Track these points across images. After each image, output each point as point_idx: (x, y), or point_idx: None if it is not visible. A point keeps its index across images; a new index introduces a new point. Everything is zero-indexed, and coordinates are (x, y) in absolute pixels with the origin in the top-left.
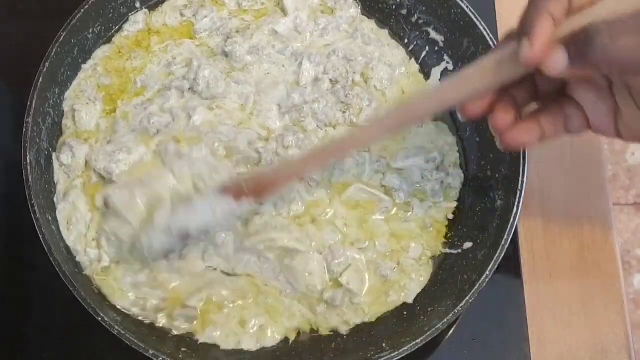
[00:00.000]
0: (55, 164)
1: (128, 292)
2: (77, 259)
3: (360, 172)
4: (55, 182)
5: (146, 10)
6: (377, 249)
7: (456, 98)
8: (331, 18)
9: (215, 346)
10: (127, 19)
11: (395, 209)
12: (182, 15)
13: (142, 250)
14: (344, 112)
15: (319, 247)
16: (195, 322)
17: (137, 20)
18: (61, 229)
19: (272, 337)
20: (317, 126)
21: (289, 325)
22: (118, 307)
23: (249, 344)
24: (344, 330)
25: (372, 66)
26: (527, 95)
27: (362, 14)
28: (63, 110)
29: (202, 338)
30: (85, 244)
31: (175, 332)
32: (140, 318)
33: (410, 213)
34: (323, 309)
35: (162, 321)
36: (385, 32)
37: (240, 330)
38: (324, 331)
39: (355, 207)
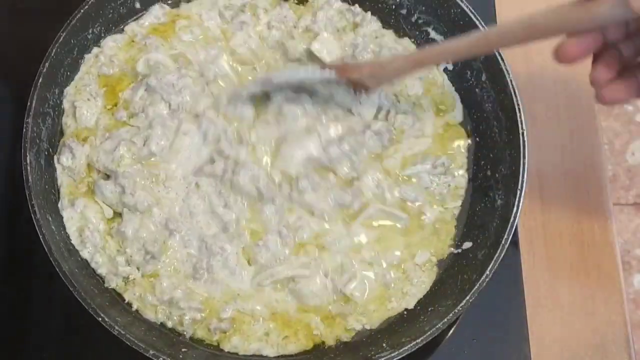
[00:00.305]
0: (58, 167)
1: (161, 306)
2: (99, 271)
3: (379, 193)
4: (59, 185)
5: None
6: (387, 262)
7: (547, 29)
8: (359, 39)
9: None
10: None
11: (411, 222)
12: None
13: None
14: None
15: (326, 270)
16: (227, 333)
17: (157, 15)
18: (73, 242)
19: (293, 347)
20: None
21: (306, 339)
22: (152, 320)
23: (269, 351)
24: (345, 338)
25: (406, 83)
26: (634, 51)
27: (383, 27)
28: (63, 108)
29: (227, 347)
30: (107, 257)
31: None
32: (178, 330)
33: (424, 217)
34: (330, 321)
35: (200, 333)
36: (407, 41)
37: (264, 338)
38: (331, 342)
39: (374, 228)
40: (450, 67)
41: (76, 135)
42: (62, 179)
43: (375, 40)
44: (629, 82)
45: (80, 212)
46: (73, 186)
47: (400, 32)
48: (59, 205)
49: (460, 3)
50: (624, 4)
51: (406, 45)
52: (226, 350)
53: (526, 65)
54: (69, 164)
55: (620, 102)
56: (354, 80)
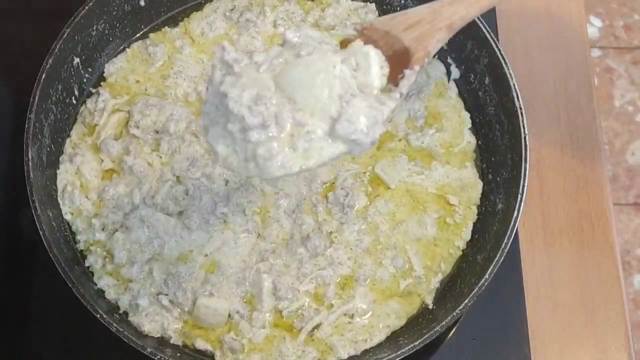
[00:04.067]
0: (81, 109)
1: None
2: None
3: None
4: (70, 134)
5: None
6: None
7: None
8: None
9: None
10: None
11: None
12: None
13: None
14: None
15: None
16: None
17: None
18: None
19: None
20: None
21: None
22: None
23: None
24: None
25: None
26: None
27: None
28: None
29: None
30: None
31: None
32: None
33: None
34: None
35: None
36: None
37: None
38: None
39: None
40: (453, 69)
41: (111, 86)
42: (76, 127)
43: None
44: None
45: (77, 167)
46: (81, 136)
47: None
48: (60, 158)
49: None
50: None
51: None
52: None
53: (527, 66)
54: (92, 106)
55: None
56: (388, 47)
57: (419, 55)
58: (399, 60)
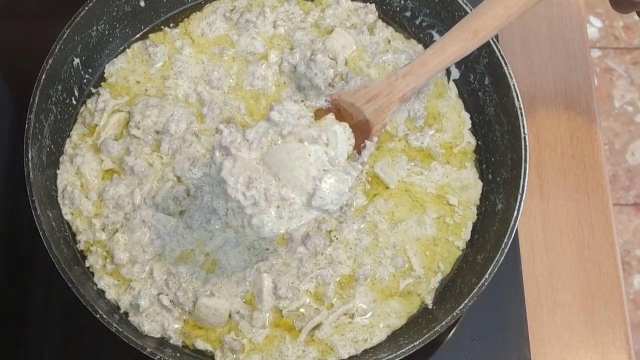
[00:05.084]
0: (81, 109)
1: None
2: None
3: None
4: (70, 135)
5: None
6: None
7: None
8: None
9: None
10: None
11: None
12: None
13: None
14: None
15: None
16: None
17: None
18: (59, 200)
19: None
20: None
21: None
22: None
23: None
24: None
25: None
26: None
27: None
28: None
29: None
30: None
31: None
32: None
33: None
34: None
35: (218, 355)
36: (413, 42)
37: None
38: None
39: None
40: (453, 69)
41: (111, 87)
42: (76, 127)
43: (388, 45)
44: None
45: (78, 167)
46: (81, 137)
47: (405, 35)
48: (60, 158)
49: (464, 6)
50: None
51: (415, 47)
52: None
53: (526, 66)
54: (93, 106)
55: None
56: (353, 117)
57: (377, 128)
58: (361, 129)
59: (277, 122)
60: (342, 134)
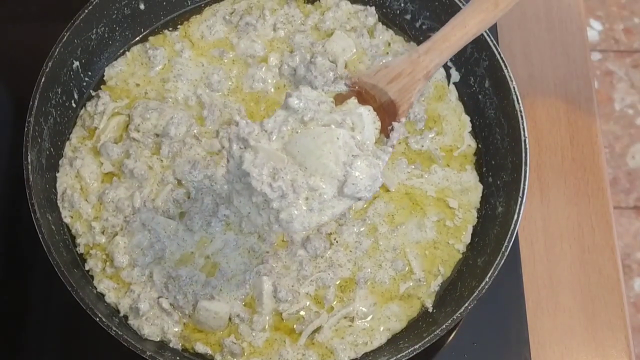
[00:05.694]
0: (80, 112)
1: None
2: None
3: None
4: (70, 138)
5: None
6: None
7: None
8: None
9: None
10: None
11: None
12: None
13: None
14: None
15: None
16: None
17: None
18: (59, 203)
19: None
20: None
21: None
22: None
23: None
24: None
25: None
26: None
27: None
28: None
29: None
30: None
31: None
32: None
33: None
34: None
35: (218, 358)
36: (414, 45)
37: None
38: None
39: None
40: (453, 72)
41: (111, 90)
42: (75, 130)
43: (388, 47)
44: None
45: (77, 170)
46: (81, 139)
47: (405, 37)
48: (60, 161)
49: None
50: None
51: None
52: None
53: (527, 69)
54: (93, 109)
55: None
56: (376, 99)
57: (404, 108)
58: (387, 111)
59: (297, 109)
60: (367, 117)
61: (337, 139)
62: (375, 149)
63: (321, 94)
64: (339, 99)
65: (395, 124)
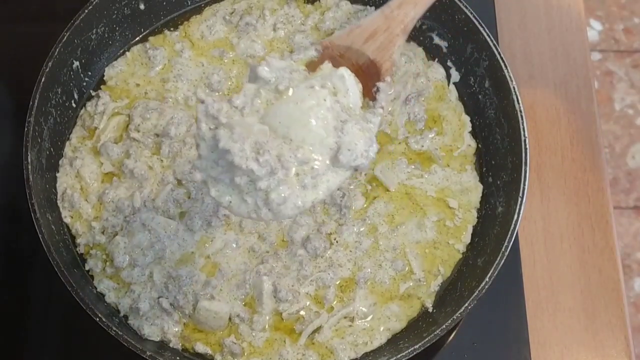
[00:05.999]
0: (80, 112)
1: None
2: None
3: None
4: (70, 138)
5: None
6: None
7: None
8: None
9: None
10: None
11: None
12: None
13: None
14: None
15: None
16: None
17: None
18: (59, 203)
19: None
20: None
21: None
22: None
23: None
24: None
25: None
26: None
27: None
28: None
29: None
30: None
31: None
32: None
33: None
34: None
35: (218, 358)
36: (413, 45)
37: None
38: None
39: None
40: (454, 72)
41: (111, 90)
42: (75, 130)
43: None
44: None
45: (77, 170)
46: (81, 139)
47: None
48: (60, 162)
49: (464, 9)
50: None
51: (415, 49)
52: None
53: (527, 69)
54: (93, 109)
55: None
56: (353, 61)
57: (387, 66)
58: (368, 73)
59: (268, 79)
60: (350, 78)
61: (325, 100)
62: (363, 113)
63: (291, 63)
64: (312, 67)
65: (380, 84)
